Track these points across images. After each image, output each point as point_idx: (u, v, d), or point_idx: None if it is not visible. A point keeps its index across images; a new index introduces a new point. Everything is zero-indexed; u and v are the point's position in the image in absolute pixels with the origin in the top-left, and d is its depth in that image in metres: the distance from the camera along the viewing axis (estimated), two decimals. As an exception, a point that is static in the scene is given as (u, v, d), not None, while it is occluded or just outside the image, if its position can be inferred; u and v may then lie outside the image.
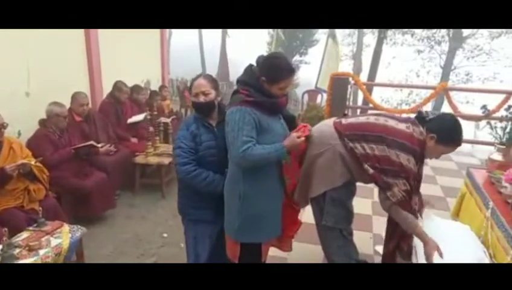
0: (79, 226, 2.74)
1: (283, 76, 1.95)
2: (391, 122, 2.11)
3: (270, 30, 16.17)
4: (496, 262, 2.16)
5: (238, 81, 2.06)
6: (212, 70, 18.68)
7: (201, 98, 2.13)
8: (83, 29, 4.63)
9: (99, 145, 3.75)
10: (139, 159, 4.36)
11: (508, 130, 3.15)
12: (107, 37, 5.02)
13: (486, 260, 2.16)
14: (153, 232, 3.53)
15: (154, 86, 6.45)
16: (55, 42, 4.13)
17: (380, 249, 2.90)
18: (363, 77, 12.41)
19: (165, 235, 3.49)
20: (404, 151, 2.00)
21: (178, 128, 2.32)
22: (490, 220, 2.43)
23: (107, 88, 4.87)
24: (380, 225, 3.28)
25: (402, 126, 2.07)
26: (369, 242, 3.05)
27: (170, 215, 3.80)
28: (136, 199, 4.24)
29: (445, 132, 2.01)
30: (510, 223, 2.21)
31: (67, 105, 3.79)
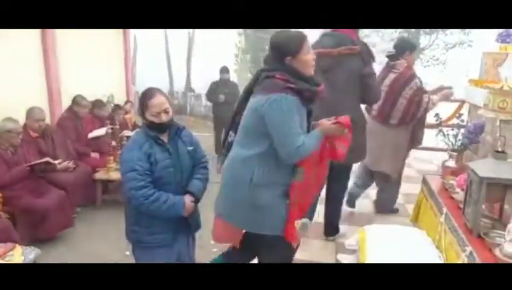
0: (33, 248, 2.63)
1: (301, 40, 1.88)
2: None
3: (237, 42, 16.31)
4: (448, 266, 2.24)
5: (266, 69, 1.97)
6: (180, 82, 18.54)
7: (164, 117, 1.99)
8: (39, 40, 4.50)
9: (57, 161, 3.63)
10: (100, 174, 4.24)
11: (459, 137, 3.29)
12: (67, 50, 4.90)
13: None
14: (114, 250, 3.41)
15: (118, 99, 6.33)
16: (8, 54, 3.98)
17: (342, 257, 2.96)
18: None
19: (128, 253, 3.37)
20: None
21: (126, 146, 2.11)
22: (444, 225, 2.52)
23: (66, 103, 4.74)
24: (343, 233, 3.35)
25: None
26: (331, 251, 3.09)
27: (133, 231, 3.70)
28: (97, 216, 4.11)
29: None
30: (461, 228, 2.30)
31: (23, 121, 3.67)
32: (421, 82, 3.46)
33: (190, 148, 2.15)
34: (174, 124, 2.09)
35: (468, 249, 2.06)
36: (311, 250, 2.98)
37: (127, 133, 5.15)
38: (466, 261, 2.03)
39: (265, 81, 1.92)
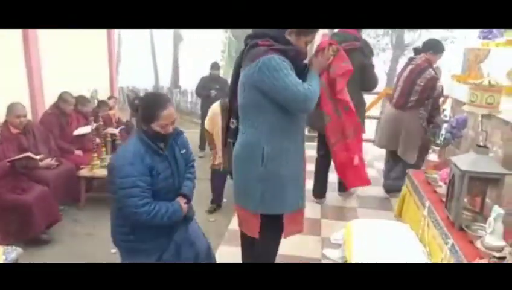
0: (14, 247, 2.56)
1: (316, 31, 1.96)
2: None
3: (224, 38, 16.21)
4: (431, 259, 2.28)
5: (251, 35, 1.96)
6: (165, 77, 18.35)
7: (170, 129, 1.95)
8: (21, 35, 4.39)
9: (38, 157, 3.56)
10: (84, 172, 4.18)
11: (442, 132, 3.34)
12: (49, 44, 4.80)
13: (424, 257, 2.27)
14: (100, 249, 3.37)
15: (102, 95, 6.23)
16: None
17: (327, 252, 2.98)
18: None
19: (114, 251, 3.34)
20: None
21: (124, 157, 1.92)
22: (427, 218, 2.57)
23: (49, 99, 4.65)
24: (328, 228, 3.38)
25: None
26: (317, 246, 3.11)
27: (118, 229, 3.66)
28: (81, 215, 4.05)
29: None
30: (444, 221, 2.34)
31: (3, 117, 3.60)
32: (435, 72, 3.75)
33: (183, 151, 2.13)
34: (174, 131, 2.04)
35: (450, 241, 2.10)
36: (297, 245, 2.99)
37: (111, 130, 5.08)
38: (448, 254, 2.07)
39: (249, 52, 1.92)
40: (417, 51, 3.95)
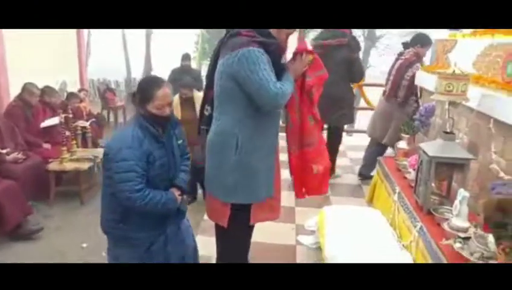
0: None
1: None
2: None
3: (197, 30, 16.00)
4: (401, 241, 2.36)
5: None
6: (137, 69, 17.98)
7: (168, 111, 1.91)
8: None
9: (4, 151, 3.42)
10: (53, 165, 4.05)
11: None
12: (15, 36, 4.60)
13: (394, 240, 2.35)
14: (70, 243, 3.29)
15: (72, 87, 6.05)
16: None
17: (302, 238, 3.03)
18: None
19: (84, 245, 3.28)
20: None
21: (122, 141, 1.88)
22: (397, 203, 2.65)
23: (14, 92, 4.47)
24: (302, 216, 3.43)
25: None
26: (291, 233, 3.16)
27: (90, 223, 3.57)
28: (51, 209, 3.92)
29: None
30: (413, 205, 2.43)
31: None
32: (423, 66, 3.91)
33: (180, 141, 2.11)
34: (172, 118, 2.01)
35: (419, 224, 2.18)
36: (272, 232, 3.02)
37: (81, 123, 4.95)
38: (417, 235, 2.14)
39: (230, 40, 1.90)
40: (406, 46, 4.17)
